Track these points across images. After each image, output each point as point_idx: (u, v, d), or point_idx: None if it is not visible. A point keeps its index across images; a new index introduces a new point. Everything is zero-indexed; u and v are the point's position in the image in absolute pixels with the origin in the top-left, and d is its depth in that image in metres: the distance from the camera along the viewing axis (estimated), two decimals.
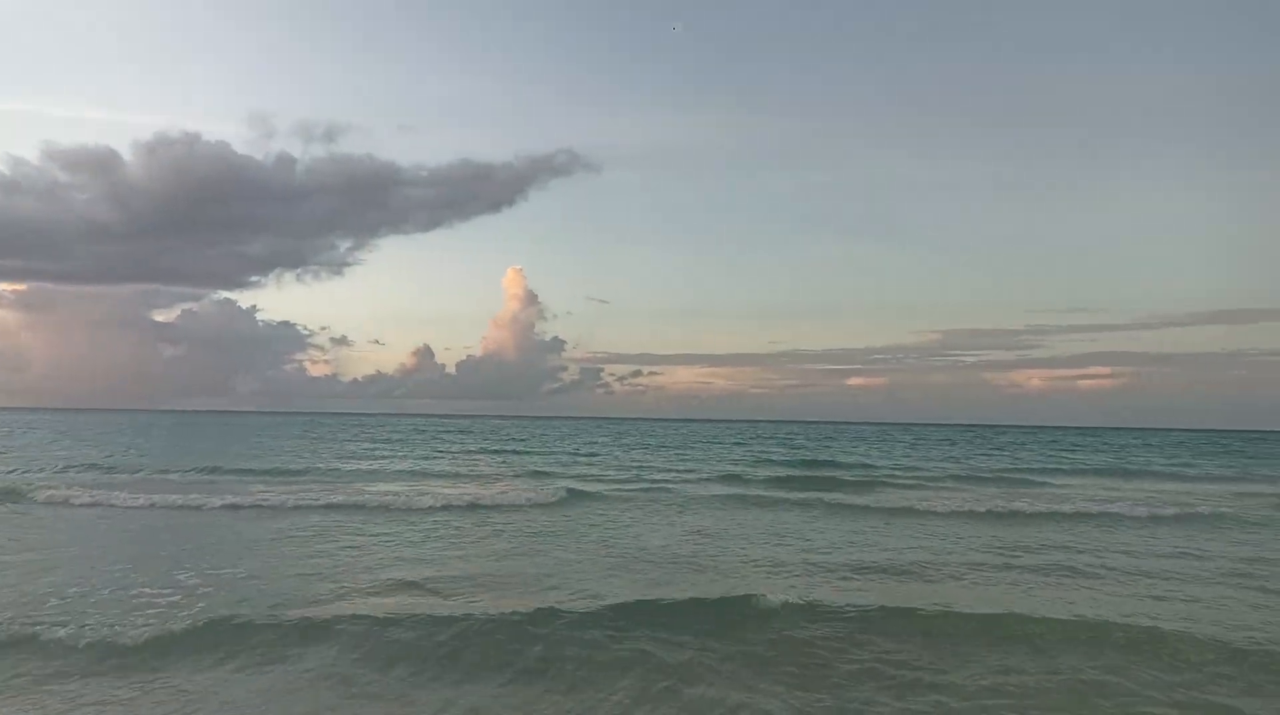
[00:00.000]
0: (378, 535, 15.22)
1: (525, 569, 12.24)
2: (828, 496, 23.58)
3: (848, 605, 9.75)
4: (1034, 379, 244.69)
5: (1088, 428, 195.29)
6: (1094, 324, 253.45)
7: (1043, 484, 31.16)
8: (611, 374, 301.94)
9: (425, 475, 29.34)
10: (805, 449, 54.11)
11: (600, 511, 19.71)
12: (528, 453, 44.40)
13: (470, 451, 44.93)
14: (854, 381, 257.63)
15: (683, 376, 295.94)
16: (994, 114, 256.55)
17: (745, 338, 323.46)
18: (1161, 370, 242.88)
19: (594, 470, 33.13)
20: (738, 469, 34.85)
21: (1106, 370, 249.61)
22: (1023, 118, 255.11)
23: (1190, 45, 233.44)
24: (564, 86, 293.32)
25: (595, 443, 58.17)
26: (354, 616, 8.88)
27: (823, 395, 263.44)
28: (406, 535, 15.34)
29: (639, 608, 9.52)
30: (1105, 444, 75.92)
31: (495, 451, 45.08)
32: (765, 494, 24.39)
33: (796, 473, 33.41)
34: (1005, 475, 34.48)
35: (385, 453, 41.93)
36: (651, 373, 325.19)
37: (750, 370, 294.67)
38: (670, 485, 26.32)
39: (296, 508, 18.89)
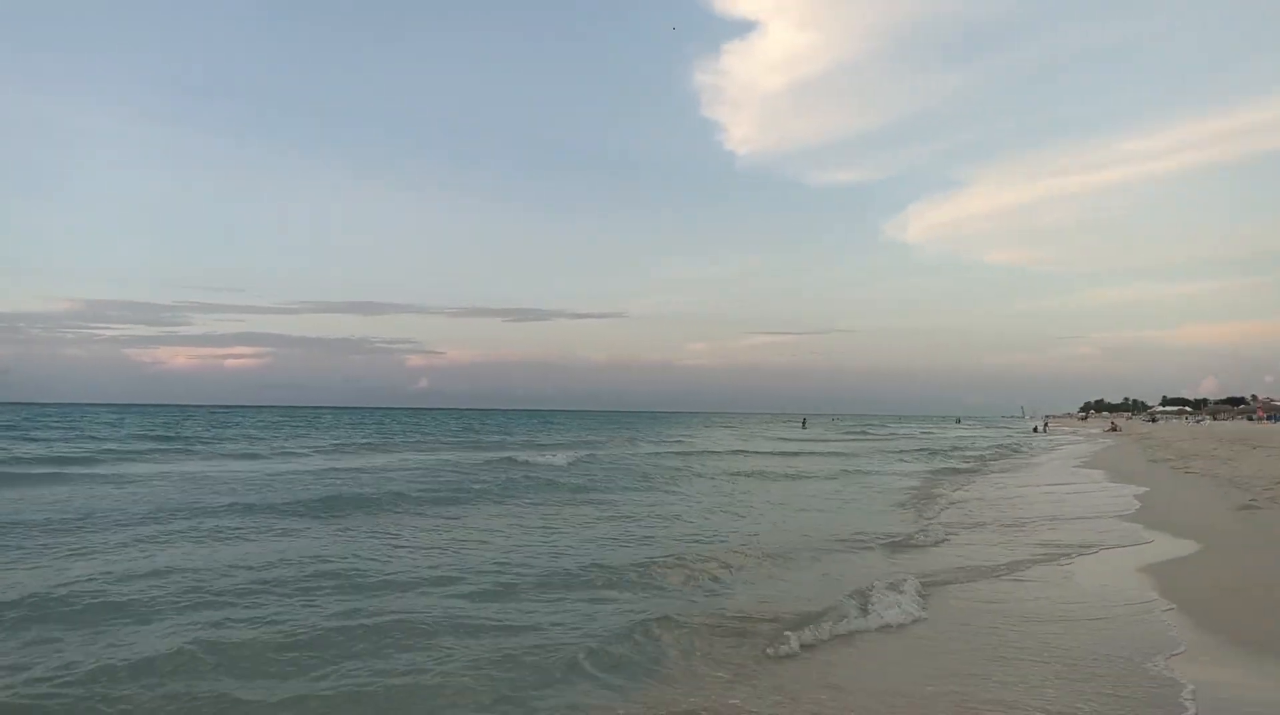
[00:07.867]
0: None
1: None
2: None
3: None
4: (180, 357, 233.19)
5: (235, 407, 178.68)
6: (243, 305, 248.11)
7: None
8: None
9: None
10: None
11: None
12: None
13: None
14: None
15: None
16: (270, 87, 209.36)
17: None
18: (301, 352, 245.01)
19: None
20: None
21: (252, 350, 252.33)
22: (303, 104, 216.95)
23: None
24: None
25: None
26: None
27: None
28: None
29: None
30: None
31: None
32: None
33: None
34: None
35: None
36: None
37: None
38: None
39: None
